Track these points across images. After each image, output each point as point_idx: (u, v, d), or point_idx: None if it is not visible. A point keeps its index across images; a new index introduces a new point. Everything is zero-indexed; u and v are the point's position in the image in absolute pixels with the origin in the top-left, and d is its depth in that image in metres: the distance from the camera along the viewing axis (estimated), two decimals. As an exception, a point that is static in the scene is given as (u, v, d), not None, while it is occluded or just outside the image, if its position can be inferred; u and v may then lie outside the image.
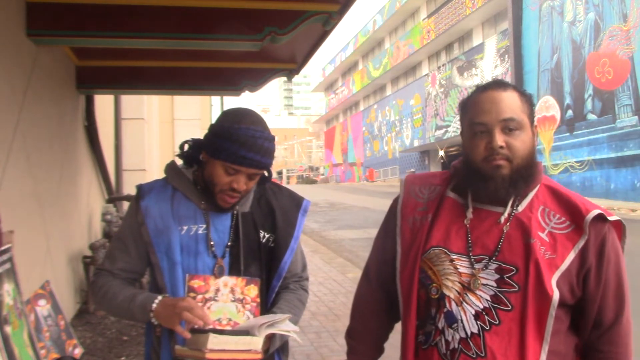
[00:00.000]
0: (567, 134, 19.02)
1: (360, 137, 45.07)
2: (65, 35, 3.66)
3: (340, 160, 50.95)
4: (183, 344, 1.56)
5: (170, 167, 1.79)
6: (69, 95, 4.95)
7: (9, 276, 2.81)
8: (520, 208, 1.45)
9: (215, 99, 16.47)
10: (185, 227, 1.69)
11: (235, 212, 1.73)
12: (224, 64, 4.84)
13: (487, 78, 25.39)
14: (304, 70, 10.18)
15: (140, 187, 1.76)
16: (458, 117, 1.58)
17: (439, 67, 31.54)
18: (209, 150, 1.66)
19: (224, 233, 1.71)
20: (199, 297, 1.65)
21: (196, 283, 1.66)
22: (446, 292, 1.44)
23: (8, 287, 2.76)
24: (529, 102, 1.47)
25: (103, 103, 6.38)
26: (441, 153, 29.46)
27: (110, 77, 5.20)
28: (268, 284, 1.76)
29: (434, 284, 1.46)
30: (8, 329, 2.58)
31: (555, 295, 1.37)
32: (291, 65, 4.90)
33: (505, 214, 1.44)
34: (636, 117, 16.27)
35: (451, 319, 1.42)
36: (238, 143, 1.60)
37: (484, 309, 1.40)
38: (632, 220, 12.87)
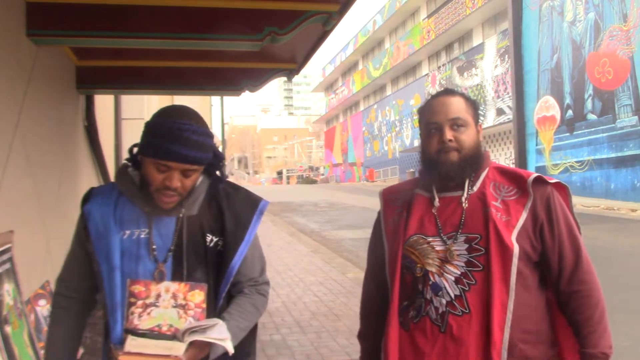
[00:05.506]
0: (567, 134, 19.02)
1: (360, 137, 45.07)
2: (65, 35, 3.66)
3: (340, 160, 50.93)
4: (120, 343, 1.60)
5: (119, 171, 1.75)
6: (69, 96, 4.95)
7: (9, 276, 2.81)
8: (475, 188, 1.74)
9: (215, 99, 16.50)
10: (127, 232, 1.66)
11: (181, 215, 1.69)
12: (224, 64, 4.84)
13: (487, 78, 25.43)
14: (304, 70, 10.18)
15: (89, 191, 1.75)
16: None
17: (439, 67, 31.54)
18: (140, 149, 1.63)
19: (168, 237, 1.67)
20: (140, 302, 1.63)
21: (137, 288, 1.63)
22: (429, 268, 1.71)
23: (8, 287, 2.76)
24: (473, 105, 1.78)
25: (103, 103, 6.37)
26: (441, 153, 29.42)
27: (110, 77, 5.20)
28: (217, 289, 1.70)
29: (418, 265, 1.73)
30: (8, 329, 2.58)
31: (516, 248, 1.62)
32: (291, 65, 4.89)
33: (465, 195, 1.72)
34: (636, 117, 16.27)
35: (436, 289, 1.68)
36: (162, 137, 1.55)
37: (462, 274, 1.66)
38: (632, 220, 12.85)
